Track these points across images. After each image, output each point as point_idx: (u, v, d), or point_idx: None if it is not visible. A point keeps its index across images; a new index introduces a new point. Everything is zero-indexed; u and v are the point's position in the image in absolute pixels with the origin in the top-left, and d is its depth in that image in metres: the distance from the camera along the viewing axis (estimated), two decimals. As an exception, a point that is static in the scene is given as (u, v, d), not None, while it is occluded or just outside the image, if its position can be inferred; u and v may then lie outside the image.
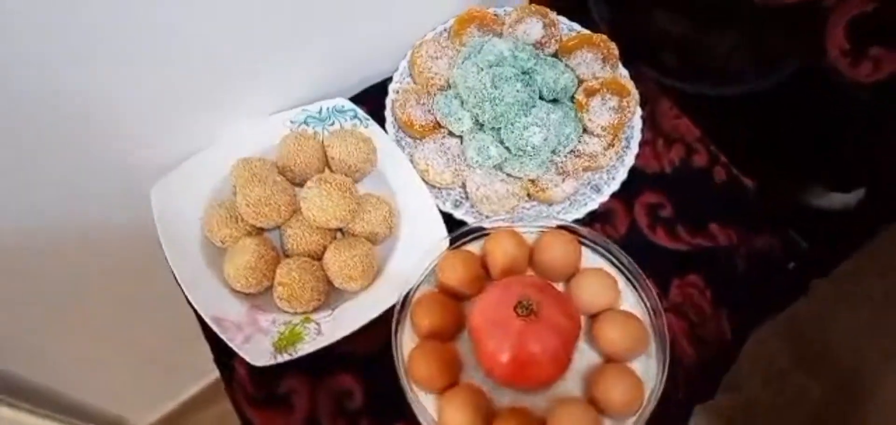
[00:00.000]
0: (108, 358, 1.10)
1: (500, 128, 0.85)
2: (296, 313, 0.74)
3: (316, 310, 0.75)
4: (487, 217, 0.81)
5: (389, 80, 0.94)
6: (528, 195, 0.85)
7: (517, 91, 0.84)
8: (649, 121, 0.90)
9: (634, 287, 0.75)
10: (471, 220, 0.82)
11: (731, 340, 0.77)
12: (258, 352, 0.70)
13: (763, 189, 0.86)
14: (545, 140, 0.84)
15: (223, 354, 0.72)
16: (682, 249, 0.83)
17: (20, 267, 0.83)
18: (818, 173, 0.86)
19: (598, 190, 0.85)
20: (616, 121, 0.86)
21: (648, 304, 0.73)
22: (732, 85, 0.89)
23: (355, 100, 0.91)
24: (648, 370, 0.71)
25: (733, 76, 0.88)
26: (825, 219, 0.87)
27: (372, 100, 0.92)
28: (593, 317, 0.74)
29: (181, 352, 1.13)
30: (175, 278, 0.74)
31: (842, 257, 0.76)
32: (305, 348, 0.71)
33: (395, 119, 0.90)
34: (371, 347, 0.74)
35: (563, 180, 0.84)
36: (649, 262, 0.74)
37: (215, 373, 0.75)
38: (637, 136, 0.88)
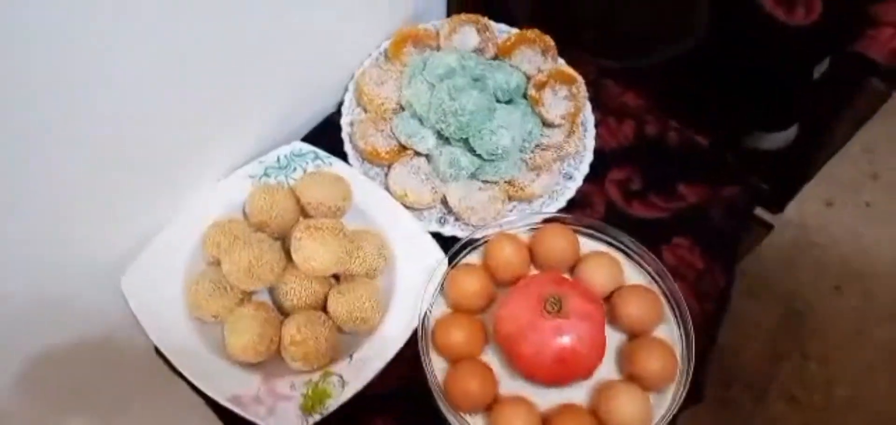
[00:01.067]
0: None
1: (467, 138, 0.85)
2: (313, 370, 0.70)
3: (332, 361, 0.71)
4: (477, 227, 0.81)
5: (337, 113, 0.91)
6: (509, 197, 0.85)
7: (476, 98, 0.84)
8: (597, 102, 0.93)
9: (635, 260, 0.77)
10: (459, 234, 0.81)
11: (725, 288, 0.81)
12: (287, 421, 0.66)
13: (715, 143, 0.92)
14: (512, 140, 0.84)
15: (248, 433, 0.67)
16: (662, 217, 0.86)
17: None
18: (758, 117, 0.93)
19: (570, 177, 0.86)
20: (572, 109, 0.88)
21: (653, 271, 0.76)
22: (662, 50, 0.93)
23: (308, 139, 0.87)
24: (672, 334, 0.73)
25: (662, 41, 0.93)
26: (770, 158, 0.93)
27: (324, 136, 0.89)
28: (606, 299, 0.75)
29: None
30: (173, 369, 0.68)
31: (791, 193, 0.82)
32: (335, 403, 0.68)
33: (358, 151, 0.87)
34: (394, 383, 0.72)
35: (538, 175, 0.85)
36: (635, 235, 0.77)
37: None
38: (591, 118, 0.90)
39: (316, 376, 0.70)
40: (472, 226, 0.81)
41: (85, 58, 0.57)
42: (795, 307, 1.52)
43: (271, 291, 0.76)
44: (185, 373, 0.67)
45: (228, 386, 0.68)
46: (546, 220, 0.80)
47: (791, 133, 0.91)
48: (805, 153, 0.91)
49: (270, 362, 0.71)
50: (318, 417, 0.66)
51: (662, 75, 0.95)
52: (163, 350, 0.69)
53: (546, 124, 0.89)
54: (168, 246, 0.76)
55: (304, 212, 0.80)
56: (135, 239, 0.75)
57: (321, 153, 0.85)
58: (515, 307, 0.69)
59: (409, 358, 0.70)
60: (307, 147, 0.86)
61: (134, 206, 0.74)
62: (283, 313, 0.74)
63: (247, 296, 0.74)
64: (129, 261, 0.74)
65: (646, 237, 0.80)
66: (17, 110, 0.54)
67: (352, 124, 0.89)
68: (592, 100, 0.92)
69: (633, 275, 0.77)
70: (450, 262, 0.76)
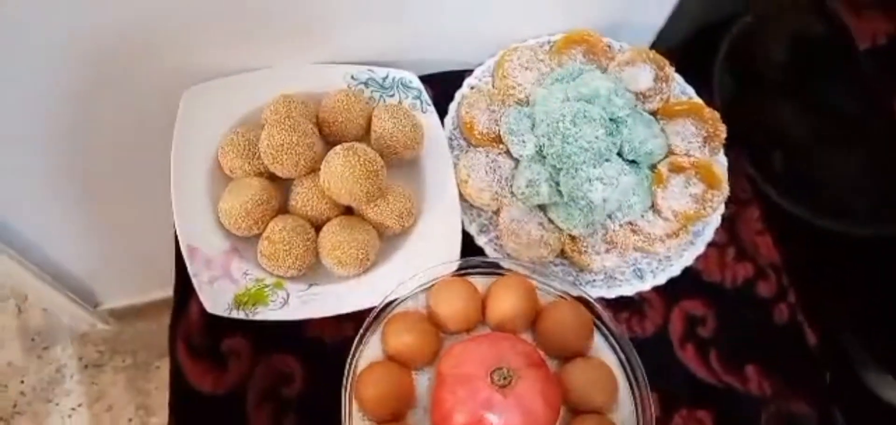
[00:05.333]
0: (96, 232, 1.09)
1: (561, 168, 0.75)
2: (272, 274, 0.68)
3: (293, 278, 0.69)
4: (507, 256, 0.72)
5: (469, 72, 0.85)
6: (563, 252, 0.74)
7: (596, 138, 0.74)
8: (728, 224, 0.77)
9: (635, 400, 0.63)
10: (491, 252, 0.73)
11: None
12: (216, 299, 0.65)
13: (824, 350, 0.71)
14: (605, 200, 0.72)
15: (183, 286, 0.67)
16: (706, 380, 0.70)
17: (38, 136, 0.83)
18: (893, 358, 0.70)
19: (640, 276, 0.73)
20: (691, 212, 0.73)
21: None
22: (839, 219, 0.73)
23: (426, 80, 0.83)
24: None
25: (844, 209, 0.73)
26: (878, 413, 0.71)
27: (442, 86, 0.84)
28: (582, 413, 0.63)
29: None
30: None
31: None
32: (264, 314, 0.65)
33: (457, 116, 0.81)
34: (332, 339, 0.67)
35: (607, 251, 0.73)
36: (664, 379, 0.64)
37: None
38: (708, 236, 0.75)
39: (269, 281, 0.68)
40: (505, 253, 0.72)
41: None
42: None
43: (291, 188, 0.74)
44: (173, 197, 0.69)
45: (196, 235, 0.68)
46: (576, 297, 0.68)
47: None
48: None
49: (246, 243, 0.70)
50: (241, 315, 0.65)
51: (820, 243, 0.75)
52: (172, 163, 0.70)
53: (654, 209, 0.75)
54: (242, 87, 0.78)
55: (369, 136, 0.76)
56: (216, 67, 0.77)
57: (425, 95, 0.81)
58: (470, 351, 0.61)
59: (350, 338, 0.64)
60: (417, 82, 0.82)
61: (239, 35, 0.76)
62: (287, 212, 0.72)
63: (268, 175, 0.73)
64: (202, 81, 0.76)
65: (672, 387, 0.67)
66: None
67: (471, 88, 0.83)
68: (726, 219, 0.76)
69: (623, 408, 0.63)
70: (456, 271, 0.68)
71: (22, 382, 1.43)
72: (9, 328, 1.47)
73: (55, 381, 1.44)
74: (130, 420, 1.44)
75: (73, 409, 1.42)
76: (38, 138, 0.84)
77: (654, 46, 0.94)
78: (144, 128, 0.83)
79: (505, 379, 0.58)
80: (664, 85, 0.82)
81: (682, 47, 0.93)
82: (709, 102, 0.82)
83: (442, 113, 0.81)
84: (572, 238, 0.74)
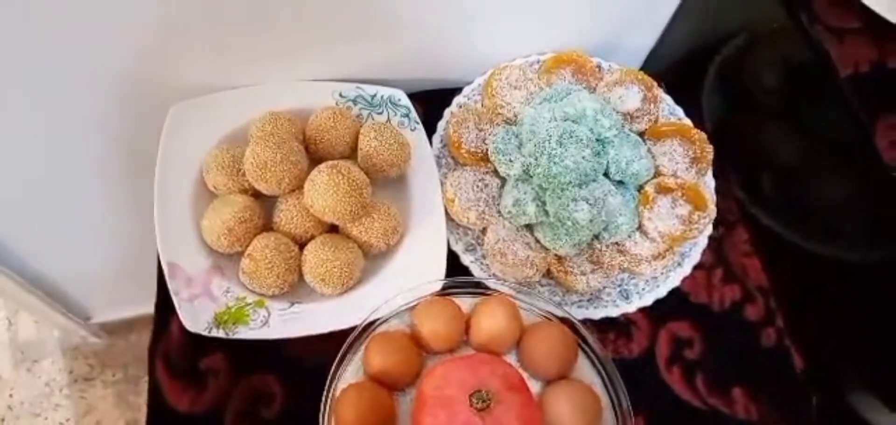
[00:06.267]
0: (87, 245, 1.09)
1: (547, 188, 0.74)
2: (253, 292, 0.68)
3: (275, 297, 0.68)
4: (493, 276, 0.71)
5: (459, 90, 0.85)
6: (549, 272, 0.74)
7: (583, 158, 0.73)
8: (715, 246, 0.76)
9: (618, 422, 0.63)
10: (477, 272, 0.72)
11: None
12: (196, 317, 0.64)
13: (811, 374, 0.71)
14: (591, 221, 0.72)
15: (163, 303, 0.67)
16: (691, 403, 0.69)
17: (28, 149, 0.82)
18: (884, 385, 0.69)
19: (626, 297, 0.72)
20: (678, 233, 0.73)
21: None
22: (828, 242, 0.73)
23: (416, 98, 0.83)
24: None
25: (833, 233, 0.73)
26: None
27: (430, 104, 0.84)
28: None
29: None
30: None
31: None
32: (244, 333, 0.65)
33: (445, 134, 0.81)
34: (313, 358, 0.67)
35: (593, 271, 0.72)
36: (650, 401, 0.64)
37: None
38: (695, 258, 0.74)
39: (250, 299, 0.67)
40: (490, 273, 0.72)
41: None
42: None
43: (275, 206, 0.74)
44: (155, 213, 0.68)
45: (178, 251, 0.68)
46: (560, 318, 0.67)
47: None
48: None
49: (228, 260, 0.70)
50: (221, 334, 0.64)
51: (808, 268, 0.75)
52: (157, 182, 0.70)
53: (641, 230, 0.75)
54: (230, 104, 0.77)
55: (357, 153, 0.76)
56: (207, 83, 0.77)
57: (414, 113, 0.81)
58: (451, 372, 0.59)
59: (332, 357, 0.63)
60: (406, 100, 0.82)
61: (228, 52, 0.76)
62: (271, 231, 0.72)
63: (252, 192, 0.73)
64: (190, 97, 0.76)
65: (656, 410, 0.65)
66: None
67: (460, 106, 0.83)
68: (713, 240, 0.75)
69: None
70: (440, 290, 0.68)
71: (10, 396, 1.42)
72: (-2, 341, 1.46)
73: (44, 395, 1.43)
74: (119, 434, 1.43)
75: (63, 424, 1.41)
76: (27, 153, 0.83)
77: (644, 68, 0.94)
78: (134, 143, 0.83)
79: (483, 401, 0.57)
80: (652, 106, 0.81)
81: (673, 69, 0.93)
82: (698, 124, 0.82)
83: (431, 131, 0.81)
84: (559, 258, 0.74)
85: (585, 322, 0.66)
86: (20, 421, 1.40)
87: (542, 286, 0.73)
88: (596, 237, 0.74)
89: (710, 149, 0.78)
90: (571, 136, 0.74)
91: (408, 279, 0.68)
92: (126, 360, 1.47)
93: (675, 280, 0.73)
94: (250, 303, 0.67)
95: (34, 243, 1.05)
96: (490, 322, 0.65)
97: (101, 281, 1.25)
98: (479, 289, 0.68)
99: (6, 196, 0.90)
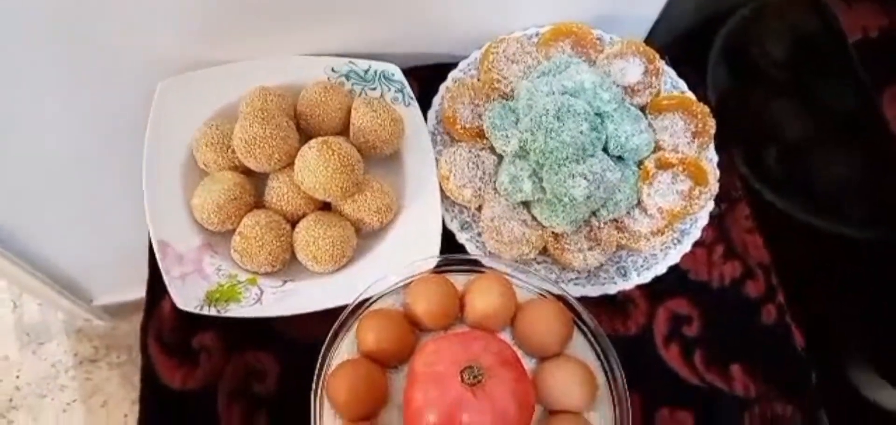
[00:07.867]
0: (89, 228, 1.09)
1: (544, 164, 0.73)
2: (245, 270, 0.67)
3: (267, 274, 0.67)
4: (489, 254, 0.70)
5: (453, 65, 0.83)
6: (545, 249, 0.72)
7: (580, 132, 0.71)
8: (717, 222, 0.75)
9: (613, 399, 0.62)
10: (472, 249, 0.71)
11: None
12: (187, 295, 0.64)
13: (811, 350, 0.69)
14: (589, 197, 0.70)
15: (155, 282, 0.66)
16: (689, 380, 0.68)
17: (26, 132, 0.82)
18: (883, 360, 0.68)
19: (624, 274, 0.71)
20: (678, 209, 0.71)
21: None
22: (833, 219, 0.71)
23: (411, 73, 0.81)
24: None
25: (838, 210, 0.71)
26: (865, 415, 0.69)
27: (426, 79, 0.82)
28: (559, 412, 0.61)
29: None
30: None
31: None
32: (236, 311, 0.64)
33: (440, 110, 0.80)
34: (306, 336, 0.65)
35: (590, 249, 0.71)
36: (647, 379, 0.63)
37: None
38: (695, 234, 0.73)
39: (242, 277, 0.66)
40: (486, 250, 0.71)
41: None
42: None
43: (266, 183, 0.73)
44: (144, 191, 0.68)
45: (168, 230, 0.67)
46: (556, 296, 0.66)
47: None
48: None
49: (219, 238, 0.69)
50: (213, 312, 0.63)
51: (811, 244, 0.73)
52: (144, 157, 0.69)
53: (639, 206, 0.73)
54: (219, 79, 0.76)
55: (349, 129, 0.75)
56: (197, 58, 0.76)
57: (408, 89, 0.79)
58: (443, 349, 0.58)
59: (325, 335, 0.62)
60: (400, 76, 0.80)
61: (216, 27, 0.75)
62: (262, 208, 0.71)
63: (242, 169, 0.71)
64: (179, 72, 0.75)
65: (654, 387, 0.65)
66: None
67: (455, 81, 0.82)
68: (714, 217, 0.74)
69: (600, 407, 0.61)
70: (434, 268, 0.67)
71: (17, 377, 1.43)
72: (4, 324, 1.47)
73: (50, 377, 1.44)
74: (126, 415, 1.43)
75: (69, 405, 1.42)
76: (23, 131, 0.83)
77: (648, 40, 0.92)
78: (130, 122, 0.82)
79: (474, 377, 0.56)
80: (654, 78, 0.79)
81: (678, 41, 0.91)
82: (702, 98, 0.80)
83: (426, 106, 0.80)
84: (555, 235, 0.72)
85: (582, 299, 0.64)
86: (27, 402, 1.41)
87: (538, 263, 0.72)
88: (594, 214, 0.73)
89: (712, 122, 0.76)
90: (569, 111, 0.72)
91: (403, 256, 0.67)
92: (130, 342, 1.47)
93: (674, 257, 0.72)
94: (242, 281, 0.66)
95: (36, 227, 1.04)
96: (484, 299, 0.64)
97: (102, 264, 1.24)
98: (473, 266, 0.67)
99: (7, 181, 0.89)
